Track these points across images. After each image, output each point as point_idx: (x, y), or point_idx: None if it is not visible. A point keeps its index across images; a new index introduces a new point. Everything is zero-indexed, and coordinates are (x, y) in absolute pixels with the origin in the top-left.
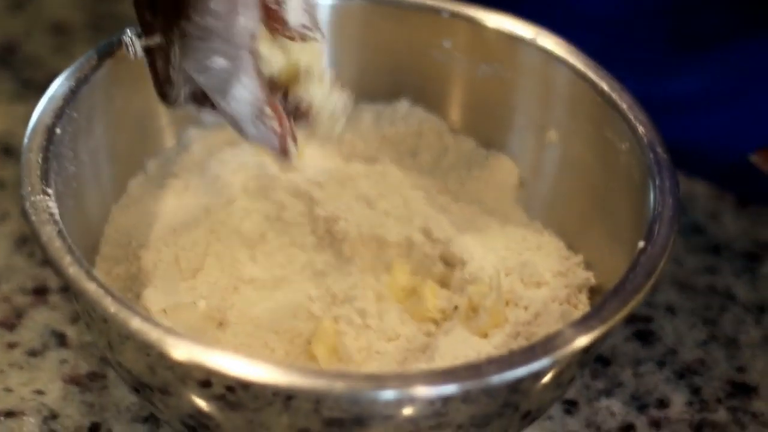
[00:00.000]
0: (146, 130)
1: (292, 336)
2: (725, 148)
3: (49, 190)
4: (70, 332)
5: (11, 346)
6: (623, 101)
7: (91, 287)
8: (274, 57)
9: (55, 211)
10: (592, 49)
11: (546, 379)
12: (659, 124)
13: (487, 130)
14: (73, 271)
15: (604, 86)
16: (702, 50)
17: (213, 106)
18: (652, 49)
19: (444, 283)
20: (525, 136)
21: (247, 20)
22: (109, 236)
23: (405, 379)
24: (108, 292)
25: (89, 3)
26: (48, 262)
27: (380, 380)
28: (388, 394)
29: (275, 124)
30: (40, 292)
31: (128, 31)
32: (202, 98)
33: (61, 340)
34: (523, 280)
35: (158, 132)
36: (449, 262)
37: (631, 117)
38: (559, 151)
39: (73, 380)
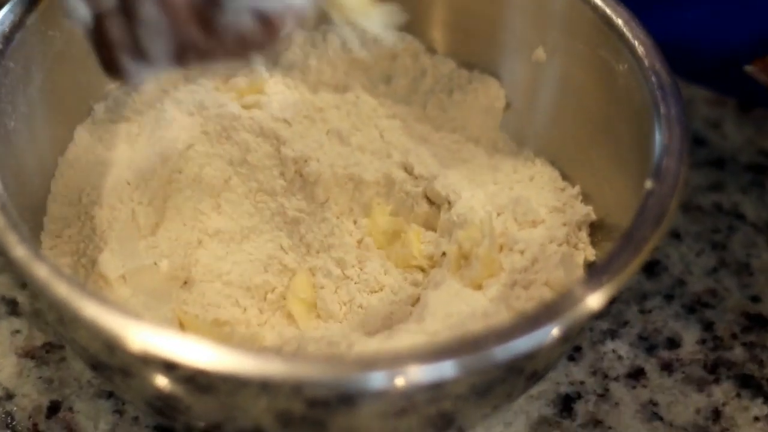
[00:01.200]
0: (91, 71)
1: (264, 292)
2: (719, 43)
3: None
4: (21, 298)
5: None
6: (618, 16)
7: (41, 272)
8: None
9: None
10: None
11: (553, 342)
12: (646, 18)
13: (469, 50)
14: (20, 252)
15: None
16: None
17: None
18: None
19: (429, 225)
20: (511, 55)
21: None
22: (57, 194)
23: (395, 359)
24: (59, 275)
25: None
26: None
27: (367, 364)
28: (378, 377)
29: None
30: None
31: None
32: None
33: (12, 307)
34: (517, 219)
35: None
36: (434, 200)
37: (629, 35)
38: (549, 72)
39: (28, 353)
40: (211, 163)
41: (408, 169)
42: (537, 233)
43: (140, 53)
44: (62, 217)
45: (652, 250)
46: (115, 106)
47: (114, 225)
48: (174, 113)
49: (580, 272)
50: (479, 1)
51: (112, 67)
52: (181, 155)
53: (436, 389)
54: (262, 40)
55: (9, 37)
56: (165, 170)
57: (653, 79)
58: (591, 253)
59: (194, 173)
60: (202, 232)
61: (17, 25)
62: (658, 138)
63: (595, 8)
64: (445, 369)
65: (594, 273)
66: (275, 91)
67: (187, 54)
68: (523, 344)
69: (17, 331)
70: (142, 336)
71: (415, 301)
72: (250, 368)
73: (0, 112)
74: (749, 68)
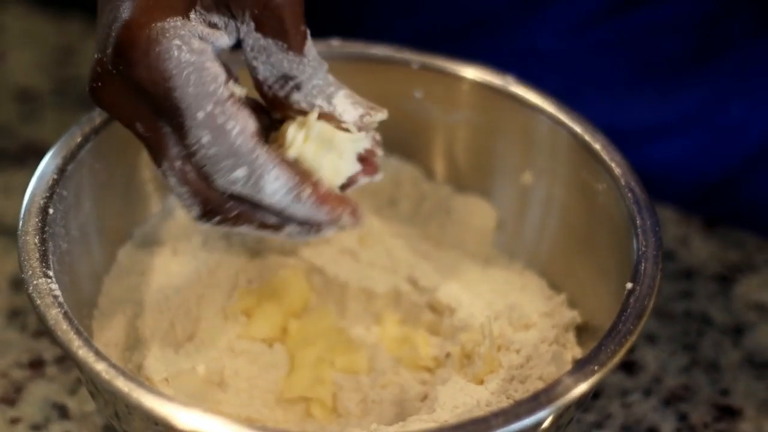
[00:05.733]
0: (131, 199)
1: (289, 393)
2: (690, 171)
3: (50, 272)
4: (71, 403)
5: (14, 421)
6: (597, 142)
7: (101, 367)
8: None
9: (58, 292)
10: (555, 85)
11: (548, 424)
12: (626, 153)
13: (464, 176)
14: (82, 353)
15: (577, 128)
16: (663, 78)
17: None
18: (613, 81)
19: (433, 331)
20: (501, 179)
21: (242, 126)
22: (104, 307)
23: None
24: (118, 371)
25: (52, 68)
26: (57, 345)
27: None
28: None
29: (319, 202)
30: (36, 365)
31: None
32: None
33: (63, 411)
34: (512, 323)
35: (143, 200)
36: (437, 309)
37: (606, 158)
38: (535, 193)
39: None
40: (239, 279)
41: (413, 282)
42: (530, 335)
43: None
44: (110, 328)
45: (633, 342)
46: (153, 231)
47: (155, 334)
48: (204, 236)
49: (569, 368)
50: (473, 133)
51: None
52: (211, 273)
53: None
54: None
55: (63, 169)
56: (198, 286)
57: (629, 195)
58: (578, 352)
59: (224, 288)
60: (232, 339)
61: (69, 158)
62: (636, 246)
63: (576, 135)
64: None
65: (583, 363)
66: None
67: (212, 217)
68: (525, 423)
69: None
70: (191, 418)
71: (424, 397)
72: None
73: (55, 235)
74: None
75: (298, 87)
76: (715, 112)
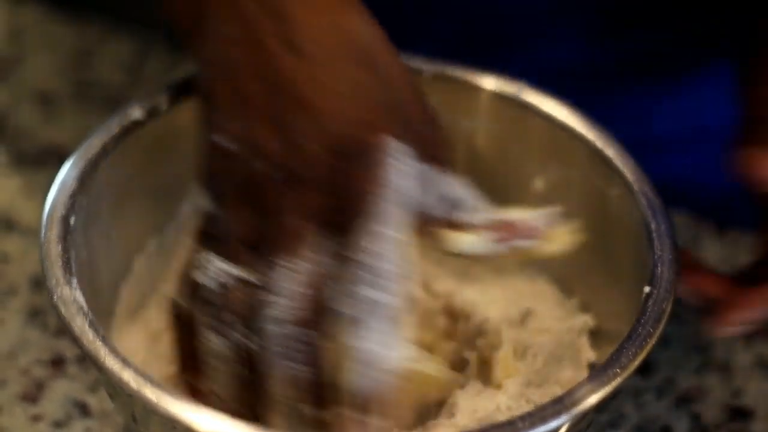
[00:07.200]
0: (149, 208)
1: None
2: (702, 180)
3: (74, 281)
4: (92, 401)
5: (36, 419)
6: (610, 149)
7: (128, 376)
8: None
9: (83, 302)
10: (566, 98)
11: (568, 428)
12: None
13: (476, 183)
14: (109, 362)
15: (590, 136)
16: (675, 91)
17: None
18: (624, 93)
19: (449, 336)
20: (514, 186)
21: (395, 264)
22: (121, 316)
23: None
24: (146, 379)
25: (71, 71)
26: (84, 354)
27: None
28: None
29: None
30: (57, 363)
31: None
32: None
33: (84, 409)
34: (527, 327)
35: (160, 209)
36: (452, 314)
37: (619, 165)
38: (548, 201)
39: None
40: None
41: (427, 288)
42: (545, 339)
43: None
44: (128, 336)
45: (653, 346)
46: (167, 242)
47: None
48: None
49: (585, 371)
50: (486, 140)
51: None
52: None
53: None
54: None
55: (83, 177)
56: None
57: (643, 201)
58: (592, 356)
59: None
60: None
61: (89, 167)
62: (651, 251)
63: (589, 143)
64: None
65: (605, 366)
66: None
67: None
68: (551, 426)
69: (90, 430)
70: (213, 423)
71: (444, 404)
72: None
73: (76, 243)
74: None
75: (455, 205)
76: (726, 123)
